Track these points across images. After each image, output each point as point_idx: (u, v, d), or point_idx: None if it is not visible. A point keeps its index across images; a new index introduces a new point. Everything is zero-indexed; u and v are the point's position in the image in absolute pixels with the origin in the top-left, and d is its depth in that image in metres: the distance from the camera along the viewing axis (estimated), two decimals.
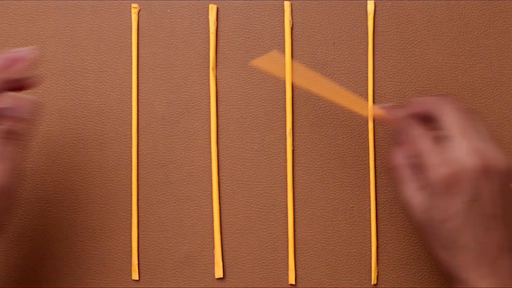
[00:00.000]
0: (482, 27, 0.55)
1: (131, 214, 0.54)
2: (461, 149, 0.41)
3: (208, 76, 0.54)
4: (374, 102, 0.54)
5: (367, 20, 0.54)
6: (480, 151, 0.41)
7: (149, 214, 0.54)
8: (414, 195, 0.43)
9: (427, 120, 0.44)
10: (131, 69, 0.54)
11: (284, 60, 0.51)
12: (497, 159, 0.41)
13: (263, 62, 0.49)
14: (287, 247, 0.54)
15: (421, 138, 0.43)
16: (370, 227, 0.53)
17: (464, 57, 0.55)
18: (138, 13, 0.55)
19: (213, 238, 0.54)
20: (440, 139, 0.42)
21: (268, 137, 0.54)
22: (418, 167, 0.43)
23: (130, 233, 0.54)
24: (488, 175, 0.40)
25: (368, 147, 0.54)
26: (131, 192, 0.54)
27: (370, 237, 0.53)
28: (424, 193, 0.42)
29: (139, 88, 0.54)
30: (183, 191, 0.54)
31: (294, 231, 0.54)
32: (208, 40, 0.54)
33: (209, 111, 0.54)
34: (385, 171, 0.54)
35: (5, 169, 0.39)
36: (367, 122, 0.54)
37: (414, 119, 0.44)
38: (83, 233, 0.54)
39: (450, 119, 0.42)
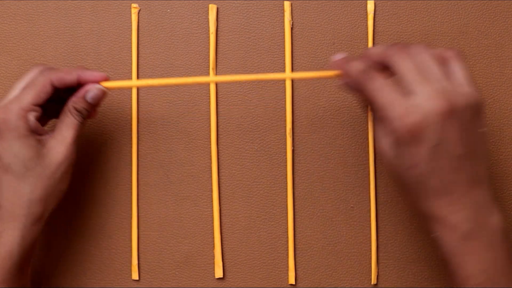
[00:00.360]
0: (482, 27, 0.55)
1: (131, 214, 0.54)
2: (422, 95, 0.39)
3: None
4: None
5: (367, 20, 0.54)
6: (441, 92, 0.39)
7: (149, 214, 0.54)
8: (384, 143, 0.42)
9: (386, 69, 0.43)
10: (131, 69, 0.54)
11: None
12: (462, 95, 0.40)
13: None
14: (287, 247, 0.54)
15: (380, 91, 0.41)
16: (370, 227, 0.53)
17: (464, 57, 0.55)
18: (138, 13, 0.55)
19: (213, 238, 0.54)
20: (401, 87, 0.41)
21: (268, 137, 0.54)
22: (383, 118, 0.41)
23: (130, 233, 0.54)
24: (454, 115, 0.39)
25: (368, 147, 0.54)
26: (131, 192, 0.54)
27: (370, 237, 0.53)
28: (391, 141, 0.41)
29: (139, 88, 0.54)
30: (183, 191, 0.54)
31: (294, 231, 0.54)
32: (208, 40, 0.54)
33: (209, 111, 0.54)
34: (385, 171, 0.54)
35: (70, 137, 0.46)
36: (367, 122, 0.54)
37: (372, 70, 0.42)
38: (83, 233, 0.54)
39: (405, 66, 0.41)
